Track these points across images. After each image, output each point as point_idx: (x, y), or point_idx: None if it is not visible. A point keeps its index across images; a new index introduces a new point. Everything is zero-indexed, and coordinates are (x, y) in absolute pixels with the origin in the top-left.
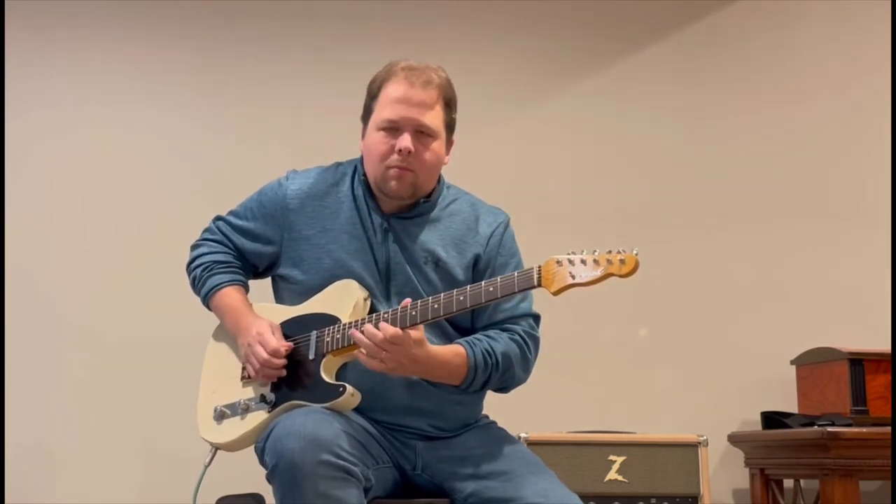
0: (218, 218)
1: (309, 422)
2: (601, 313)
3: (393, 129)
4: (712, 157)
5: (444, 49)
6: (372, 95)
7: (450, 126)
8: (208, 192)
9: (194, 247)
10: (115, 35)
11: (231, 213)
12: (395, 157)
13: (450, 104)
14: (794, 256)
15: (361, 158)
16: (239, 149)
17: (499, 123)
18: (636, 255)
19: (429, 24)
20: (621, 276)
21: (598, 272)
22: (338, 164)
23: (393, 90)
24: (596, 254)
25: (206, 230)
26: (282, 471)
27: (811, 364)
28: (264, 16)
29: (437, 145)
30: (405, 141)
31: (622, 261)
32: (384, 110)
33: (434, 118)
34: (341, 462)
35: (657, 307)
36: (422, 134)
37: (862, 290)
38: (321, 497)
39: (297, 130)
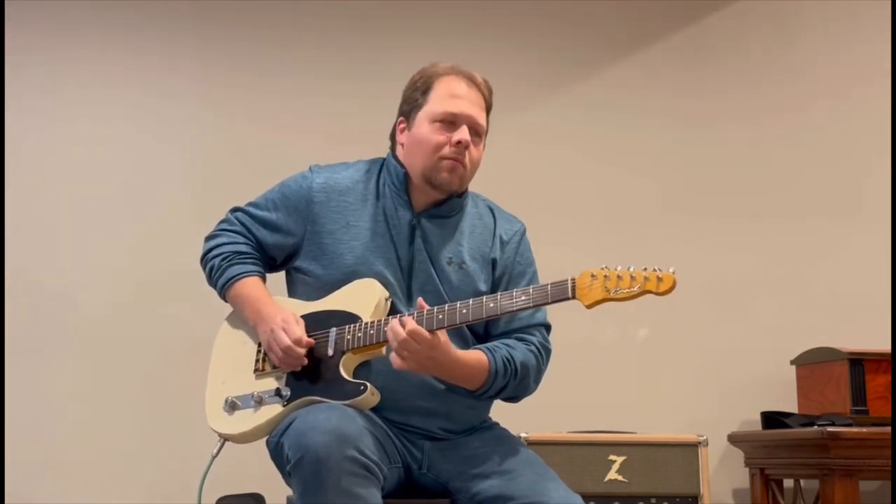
0: (236, 209)
1: (333, 417)
2: (601, 313)
3: (450, 122)
4: (711, 157)
5: (444, 53)
6: (421, 90)
7: (486, 133)
8: (212, 194)
9: (210, 237)
10: (117, 37)
11: (250, 204)
12: (449, 148)
13: (489, 112)
14: (794, 256)
15: (391, 154)
16: (242, 152)
17: (498, 126)
18: (674, 273)
19: (428, 28)
20: (658, 294)
21: (636, 288)
22: (362, 161)
23: (451, 86)
24: (632, 269)
25: (224, 221)
26: (307, 464)
27: (811, 364)
28: (268, 15)
29: (481, 147)
30: (464, 133)
31: (660, 278)
32: (442, 103)
33: (483, 121)
34: (365, 459)
35: (657, 307)
36: (474, 133)
37: (862, 290)
38: (343, 494)
39: (302, 133)
